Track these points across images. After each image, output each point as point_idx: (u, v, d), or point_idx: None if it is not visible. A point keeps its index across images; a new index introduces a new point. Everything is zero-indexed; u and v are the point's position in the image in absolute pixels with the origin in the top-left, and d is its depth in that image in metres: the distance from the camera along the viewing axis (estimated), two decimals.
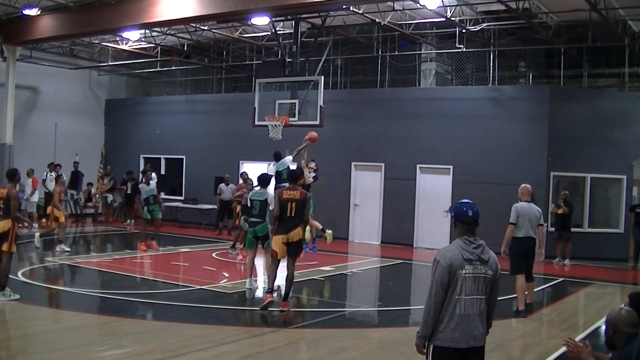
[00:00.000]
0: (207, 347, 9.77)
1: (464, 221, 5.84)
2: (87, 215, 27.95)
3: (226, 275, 16.07)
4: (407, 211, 22.96)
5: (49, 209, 18.73)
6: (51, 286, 14.39)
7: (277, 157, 18.57)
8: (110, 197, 28.26)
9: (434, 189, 22.57)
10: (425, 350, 5.82)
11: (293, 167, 17.90)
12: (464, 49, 22.26)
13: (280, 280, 13.09)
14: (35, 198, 24.75)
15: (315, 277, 16.37)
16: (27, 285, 13.66)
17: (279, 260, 12.45)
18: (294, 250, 12.41)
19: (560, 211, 19.85)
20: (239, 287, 14.86)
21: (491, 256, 5.81)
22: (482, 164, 21.60)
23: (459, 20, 20.64)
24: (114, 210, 28.73)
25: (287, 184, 17.94)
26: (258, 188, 14.39)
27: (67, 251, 18.56)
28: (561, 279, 17.67)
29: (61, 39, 25.48)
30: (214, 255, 19.29)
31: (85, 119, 30.70)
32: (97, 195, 28.25)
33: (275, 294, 12.69)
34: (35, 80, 28.63)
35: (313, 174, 19.01)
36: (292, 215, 12.22)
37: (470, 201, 5.97)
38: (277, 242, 12.26)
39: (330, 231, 17.79)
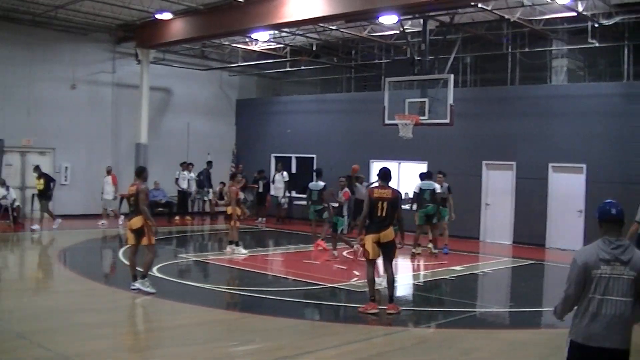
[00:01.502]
0: (336, 345, 9.83)
1: (606, 219, 5.75)
2: (219, 213, 28.49)
3: (357, 273, 16.08)
4: (539, 211, 22.40)
5: (229, 209, 19.10)
6: (184, 282, 14.80)
7: (429, 175, 19.24)
8: (242, 196, 28.71)
9: (567, 188, 21.94)
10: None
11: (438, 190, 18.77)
12: (597, 44, 21.54)
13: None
14: (110, 196, 24.73)
15: (445, 277, 16.25)
16: (162, 281, 14.08)
17: (374, 261, 12.07)
18: (387, 250, 11.99)
19: None
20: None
21: (635, 256, 5.62)
22: (617, 163, 20.82)
23: (591, 14, 20.06)
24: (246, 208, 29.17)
25: (429, 205, 18.30)
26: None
27: (244, 253, 18.83)
28: None
29: (192, 41, 26.26)
30: (344, 253, 19.28)
31: (216, 119, 31.45)
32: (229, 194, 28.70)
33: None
34: (167, 81, 29.58)
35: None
36: (383, 215, 11.77)
37: (614, 201, 5.90)
38: (368, 242, 11.85)
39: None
